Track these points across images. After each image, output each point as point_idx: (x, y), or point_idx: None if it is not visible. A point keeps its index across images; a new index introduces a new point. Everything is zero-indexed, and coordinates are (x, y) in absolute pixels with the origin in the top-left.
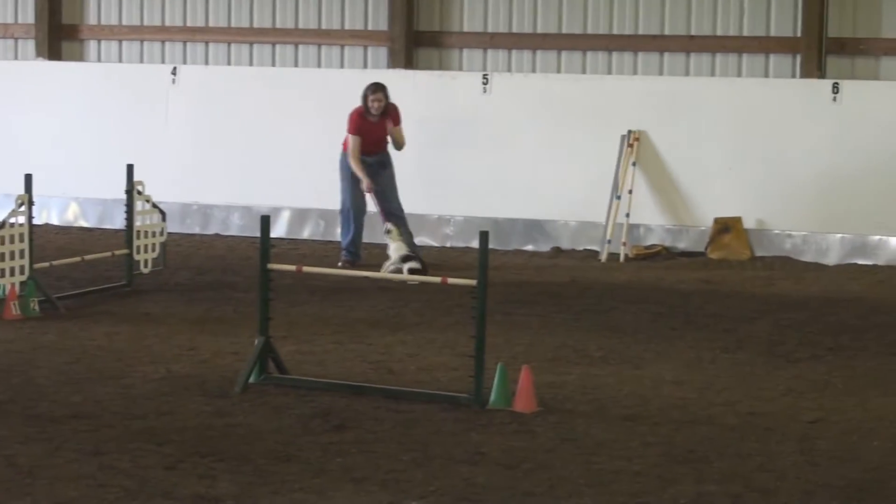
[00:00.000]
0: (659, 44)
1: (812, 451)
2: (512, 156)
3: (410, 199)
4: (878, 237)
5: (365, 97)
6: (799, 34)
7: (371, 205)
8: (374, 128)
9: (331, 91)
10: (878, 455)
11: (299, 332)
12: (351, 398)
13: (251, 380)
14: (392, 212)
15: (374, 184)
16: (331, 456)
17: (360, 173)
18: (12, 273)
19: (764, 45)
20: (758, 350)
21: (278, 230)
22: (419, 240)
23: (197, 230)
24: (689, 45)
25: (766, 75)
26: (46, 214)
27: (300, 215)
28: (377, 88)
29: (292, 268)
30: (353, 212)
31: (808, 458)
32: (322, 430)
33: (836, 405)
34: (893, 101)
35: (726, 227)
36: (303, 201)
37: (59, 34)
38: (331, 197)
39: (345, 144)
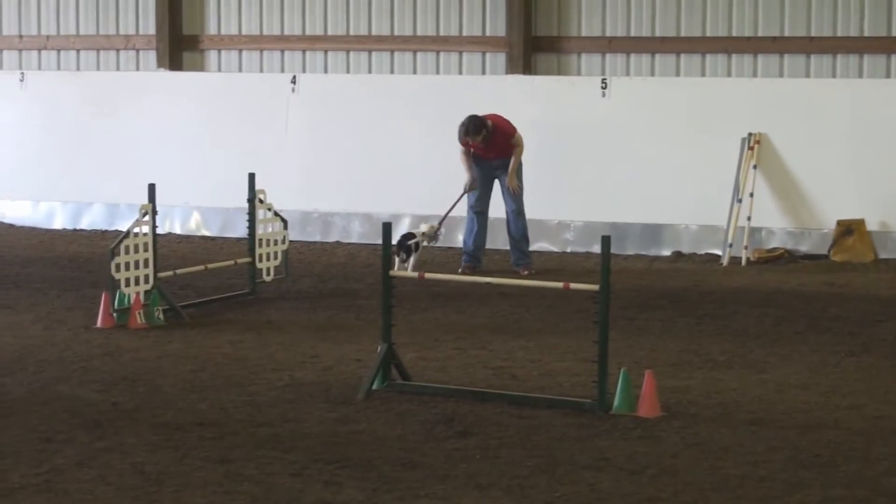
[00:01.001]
0: (779, 45)
1: None
2: (631, 160)
3: (530, 205)
4: None
5: (458, 135)
6: None
7: (494, 207)
8: (482, 147)
9: (449, 97)
10: None
11: (421, 338)
12: (474, 404)
13: (374, 386)
14: (509, 209)
15: (501, 182)
16: (455, 462)
17: (466, 167)
18: (137, 282)
19: (885, 46)
20: (883, 353)
21: (398, 237)
22: (540, 245)
23: (318, 238)
24: (809, 46)
25: (888, 76)
26: (169, 224)
27: (420, 222)
28: (468, 132)
29: (414, 274)
30: (475, 213)
31: None
32: (446, 436)
33: None
34: None
35: (849, 229)
36: (423, 208)
37: (179, 45)
38: (450, 203)
39: None
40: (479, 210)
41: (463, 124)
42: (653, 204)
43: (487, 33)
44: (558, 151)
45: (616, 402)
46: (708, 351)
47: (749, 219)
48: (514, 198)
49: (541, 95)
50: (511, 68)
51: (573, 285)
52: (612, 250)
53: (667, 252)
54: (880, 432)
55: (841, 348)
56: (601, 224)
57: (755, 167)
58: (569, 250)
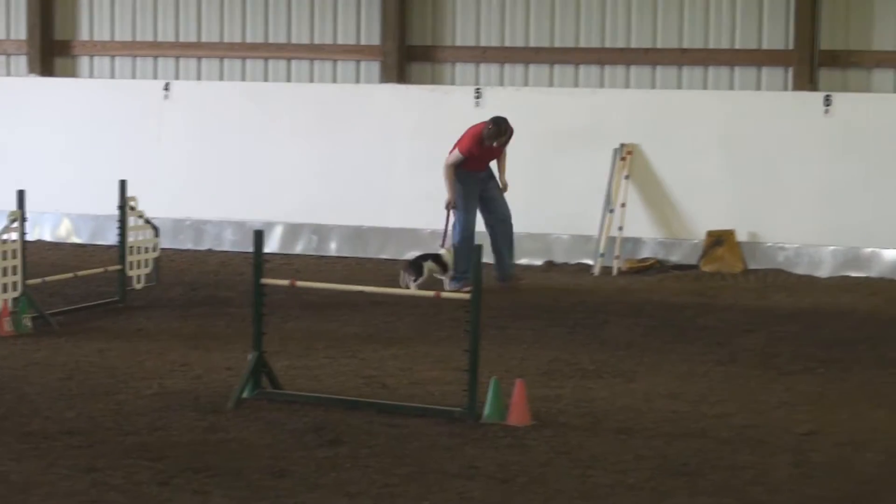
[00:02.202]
0: (651, 57)
1: (806, 463)
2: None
3: (402, 214)
4: (870, 249)
5: (492, 136)
6: (791, 47)
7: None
8: (488, 154)
9: (323, 105)
10: (872, 467)
11: (293, 346)
12: (345, 413)
13: (245, 395)
14: (503, 218)
15: (486, 191)
16: (325, 471)
17: (449, 186)
18: (5, 289)
19: (756, 58)
20: (751, 363)
21: (271, 245)
22: (412, 254)
23: (190, 246)
24: (681, 58)
25: (759, 88)
26: (39, 231)
27: (293, 230)
28: (505, 132)
29: (286, 282)
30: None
31: (802, 470)
32: (316, 444)
33: (829, 417)
34: (885, 113)
35: (719, 239)
36: (296, 216)
37: (51, 50)
38: (324, 212)
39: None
40: (492, 224)
41: (497, 124)
42: (526, 213)
43: (362, 42)
44: (432, 160)
45: (486, 410)
46: (578, 360)
47: (620, 229)
48: (502, 203)
49: (415, 104)
50: (385, 77)
51: (445, 294)
52: (485, 259)
53: (539, 262)
54: (747, 441)
55: (709, 358)
56: (477, 233)
57: (627, 178)
58: None
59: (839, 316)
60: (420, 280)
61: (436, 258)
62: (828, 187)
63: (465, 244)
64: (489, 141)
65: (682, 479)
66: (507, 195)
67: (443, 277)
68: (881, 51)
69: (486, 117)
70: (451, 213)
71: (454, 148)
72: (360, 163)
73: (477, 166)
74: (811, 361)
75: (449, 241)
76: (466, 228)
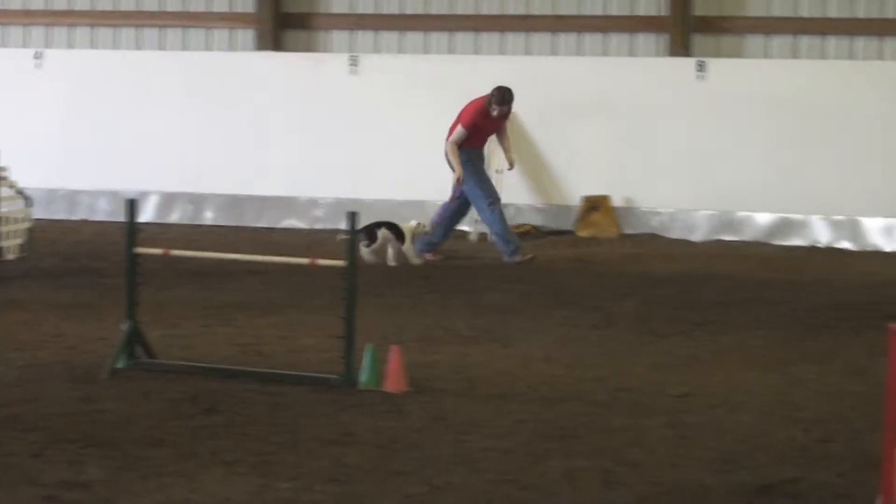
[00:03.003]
0: (525, 24)
1: (680, 424)
2: (381, 136)
3: (279, 182)
4: (743, 213)
5: (494, 102)
6: (665, 13)
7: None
8: (491, 124)
9: (197, 74)
10: (744, 427)
11: (167, 316)
12: (220, 382)
13: (119, 365)
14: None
15: (481, 171)
16: (201, 439)
17: (456, 163)
18: None
19: (630, 25)
20: (626, 326)
21: (146, 215)
22: (289, 222)
23: (64, 216)
24: (556, 24)
25: (632, 54)
26: None
27: (168, 199)
28: (509, 100)
29: (159, 251)
30: (498, 201)
31: (676, 431)
32: (191, 413)
33: (702, 380)
34: (757, 78)
35: (594, 205)
36: (171, 185)
37: None
38: (199, 180)
39: (449, 134)
40: (496, 199)
41: (500, 90)
42: (402, 180)
43: (236, 9)
44: (307, 128)
45: (363, 377)
46: (455, 326)
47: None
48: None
49: (290, 72)
50: (260, 45)
51: (320, 261)
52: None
53: None
54: (622, 404)
55: (585, 322)
56: (350, 200)
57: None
58: (319, 227)
59: (713, 279)
60: (374, 246)
61: (391, 226)
62: (701, 152)
63: (499, 216)
64: (494, 106)
65: (559, 442)
66: (383, 161)
67: (395, 248)
68: (753, 17)
69: (363, 85)
70: (458, 188)
71: (454, 126)
72: (235, 131)
73: (478, 143)
74: (685, 325)
75: (437, 218)
76: (494, 203)
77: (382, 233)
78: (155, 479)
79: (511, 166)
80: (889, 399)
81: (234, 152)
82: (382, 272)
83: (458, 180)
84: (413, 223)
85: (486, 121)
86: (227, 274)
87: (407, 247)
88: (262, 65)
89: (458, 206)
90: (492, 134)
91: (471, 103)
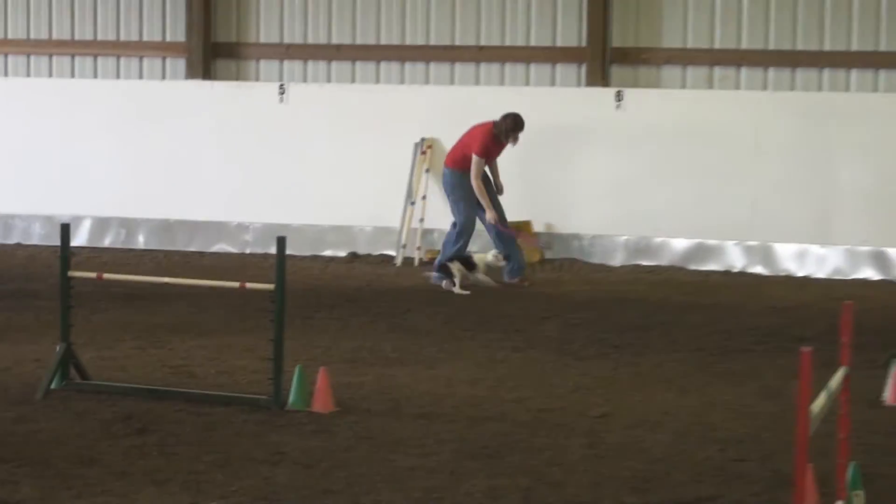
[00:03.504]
0: (450, 54)
1: (599, 444)
2: (309, 163)
3: (210, 207)
4: (660, 239)
5: (509, 130)
6: (584, 44)
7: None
8: (496, 150)
9: (130, 101)
10: (662, 447)
11: (101, 338)
12: (152, 402)
13: (53, 386)
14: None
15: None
16: (133, 459)
17: (486, 202)
18: None
19: (550, 56)
20: (548, 349)
21: (80, 239)
22: (219, 246)
23: None
24: (479, 55)
25: (553, 84)
26: None
27: (101, 224)
28: (523, 126)
29: (93, 275)
30: (469, 233)
31: (596, 451)
32: (124, 433)
33: (622, 400)
34: (673, 108)
35: (517, 230)
36: (104, 210)
37: None
38: (132, 205)
39: (450, 160)
40: (466, 232)
41: (519, 120)
42: (330, 206)
43: (168, 39)
44: (237, 155)
45: (291, 398)
46: (381, 348)
47: (422, 220)
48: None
49: (220, 100)
50: (191, 73)
51: (249, 285)
52: (290, 251)
53: (342, 253)
54: (543, 424)
55: (507, 344)
56: (279, 226)
57: (427, 171)
58: (248, 251)
59: (631, 303)
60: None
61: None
62: (620, 179)
63: (457, 247)
64: (509, 135)
65: (482, 461)
66: (311, 187)
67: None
68: (669, 48)
69: (292, 113)
70: (495, 225)
71: (459, 154)
72: (166, 158)
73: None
74: (605, 347)
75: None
76: (468, 226)
77: (455, 266)
78: (88, 498)
79: (501, 191)
80: (800, 419)
81: (166, 178)
82: (311, 295)
83: (494, 219)
84: (490, 255)
85: (495, 146)
86: (160, 297)
87: (482, 277)
88: (193, 93)
89: (505, 233)
90: (494, 158)
91: (478, 130)
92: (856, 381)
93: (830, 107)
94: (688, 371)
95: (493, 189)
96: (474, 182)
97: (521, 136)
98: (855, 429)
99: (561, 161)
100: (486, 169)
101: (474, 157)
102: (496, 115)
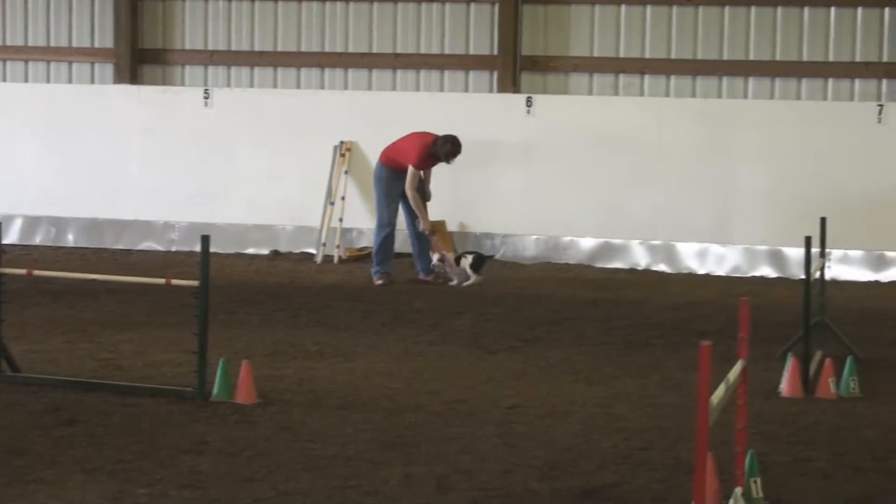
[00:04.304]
0: (367, 61)
1: (510, 434)
2: (232, 165)
3: (137, 207)
4: (568, 238)
5: (448, 154)
6: (496, 52)
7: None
8: (431, 162)
9: (60, 105)
10: (569, 436)
11: (31, 332)
12: (81, 394)
13: None
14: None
15: (393, 194)
16: (62, 449)
17: (420, 212)
18: None
19: (464, 63)
20: (461, 343)
21: (11, 237)
22: (146, 244)
23: None
24: (395, 62)
25: (466, 90)
26: None
27: (32, 223)
28: (460, 149)
29: (23, 271)
30: (383, 225)
31: (507, 440)
32: (53, 424)
33: (531, 392)
34: (581, 113)
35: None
36: (34, 209)
37: None
38: (62, 205)
39: (384, 156)
40: (394, 223)
41: (453, 143)
42: (252, 206)
43: (96, 45)
44: (164, 157)
45: (215, 390)
46: (302, 342)
47: (341, 220)
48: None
49: (147, 105)
50: (118, 78)
51: (175, 281)
52: (215, 249)
53: (265, 251)
54: (457, 414)
55: (423, 339)
56: (203, 225)
57: (346, 172)
58: (174, 249)
59: (541, 299)
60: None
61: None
62: (530, 181)
63: (382, 240)
64: (448, 158)
65: (398, 450)
66: (234, 188)
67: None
68: (577, 56)
69: (216, 117)
70: (431, 238)
71: (392, 154)
72: (95, 159)
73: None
74: (515, 341)
75: (435, 258)
76: (383, 227)
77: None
78: (19, 486)
79: (429, 198)
80: (700, 410)
81: (94, 178)
82: (233, 291)
83: (429, 232)
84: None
85: (430, 160)
86: (88, 293)
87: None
88: (121, 97)
89: (416, 237)
90: (429, 169)
91: (417, 139)
92: (753, 374)
93: (729, 113)
94: (595, 364)
95: (424, 195)
96: (409, 192)
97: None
98: (752, 419)
99: (474, 164)
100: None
101: (410, 169)
102: (412, 121)
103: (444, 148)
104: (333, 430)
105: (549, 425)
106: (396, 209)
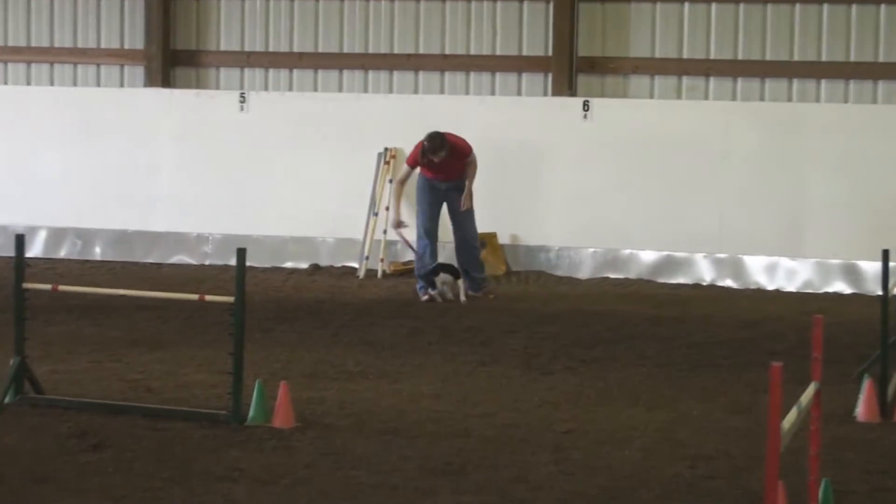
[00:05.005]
0: (413, 62)
1: (566, 461)
2: (270, 173)
3: (168, 218)
4: (628, 251)
5: (425, 151)
6: (550, 53)
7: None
8: (440, 165)
9: (87, 110)
10: (629, 464)
11: (56, 351)
12: (108, 417)
13: (6, 400)
14: (464, 237)
15: (451, 205)
16: (88, 476)
17: (395, 203)
18: None
19: (516, 65)
20: (513, 363)
21: (34, 250)
22: (178, 258)
23: None
24: (444, 63)
25: (519, 93)
26: None
27: (57, 235)
28: (438, 148)
29: (48, 286)
30: (422, 236)
31: (562, 468)
32: (79, 449)
33: (588, 416)
34: (640, 117)
35: (482, 242)
36: (59, 220)
37: None
38: (88, 216)
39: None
40: (432, 234)
41: (425, 141)
42: (291, 217)
43: (126, 46)
44: (197, 164)
45: (251, 413)
46: (343, 362)
47: (385, 232)
48: (465, 224)
49: (179, 109)
50: (150, 81)
51: (209, 297)
52: (251, 263)
53: (304, 265)
54: (509, 440)
55: (473, 358)
56: (239, 237)
57: (391, 181)
58: (207, 263)
59: (598, 316)
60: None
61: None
62: (587, 190)
63: (422, 254)
64: (424, 157)
65: (446, 478)
66: (272, 198)
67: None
68: (637, 57)
69: (252, 122)
70: (399, 231)
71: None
72: (124, 167)
73: (434, 176)
74: (571, 361)
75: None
76: (419, 235)
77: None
78: None
79: (463, 207)
80: (771, 435)
81: (123, 187)
82: (270, 308)
83: (394, 224)
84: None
85: (430, 161)
86: (116, 309)
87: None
88: (152, 101)
89: (458, 248)
90: (446, 170)
91: (419, 142)
92: (827, 397)
93: (800, 117)
94: (656, 386)
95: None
96: (393, 184)
97: (486, 145)
98: (826, 445)
99: (527, 172)
100: (428, 177)
101: (403, 164)
102: (461, 125)
103: (423, 146)
104: (377, 457)
105: (608, 452)
106: (434, 219)
